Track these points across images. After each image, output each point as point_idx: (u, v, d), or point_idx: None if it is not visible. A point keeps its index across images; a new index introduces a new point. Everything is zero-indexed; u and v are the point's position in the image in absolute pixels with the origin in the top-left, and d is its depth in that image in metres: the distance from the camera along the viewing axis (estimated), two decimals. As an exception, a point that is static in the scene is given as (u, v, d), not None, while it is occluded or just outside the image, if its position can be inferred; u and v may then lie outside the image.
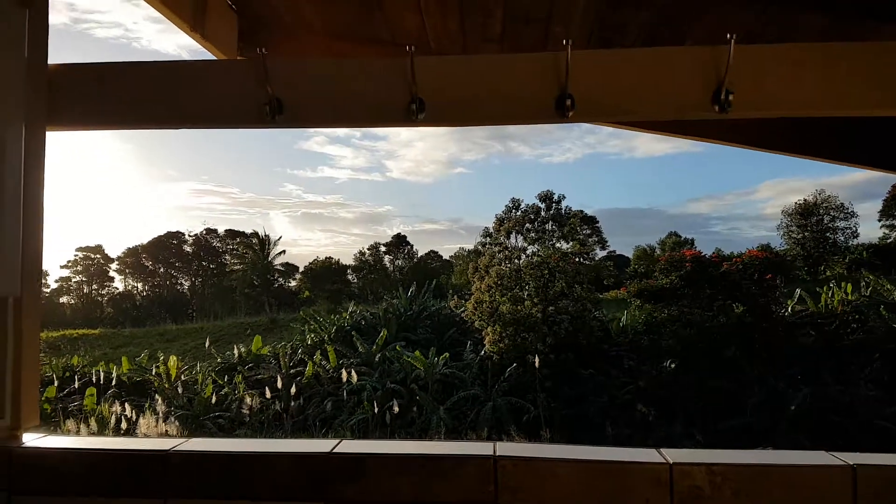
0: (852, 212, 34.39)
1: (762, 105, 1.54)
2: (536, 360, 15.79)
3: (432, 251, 53.13)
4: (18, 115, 1.58)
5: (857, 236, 34.47)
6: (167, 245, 53.62)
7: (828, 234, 34.72)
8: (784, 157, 2.64)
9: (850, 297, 18.93)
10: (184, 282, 54.08)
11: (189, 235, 54.69)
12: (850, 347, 16.13)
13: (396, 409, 14.64)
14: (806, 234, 35.17)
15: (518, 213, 20.32)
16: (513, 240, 20.07)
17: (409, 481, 1.42)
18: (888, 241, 33.35)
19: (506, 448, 1.45)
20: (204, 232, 54.62)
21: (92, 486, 1.50)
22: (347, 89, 1.69)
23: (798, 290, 20.38)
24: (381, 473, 1.43)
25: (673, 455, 1.42)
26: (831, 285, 20.43)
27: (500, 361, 17.23)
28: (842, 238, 34.56)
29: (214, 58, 2.13)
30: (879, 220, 34.19)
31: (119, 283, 54.00)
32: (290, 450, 1.48)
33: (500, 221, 20.44)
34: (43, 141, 1.65)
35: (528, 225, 20.06)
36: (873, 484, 1.33)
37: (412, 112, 1.63)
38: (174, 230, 54.58)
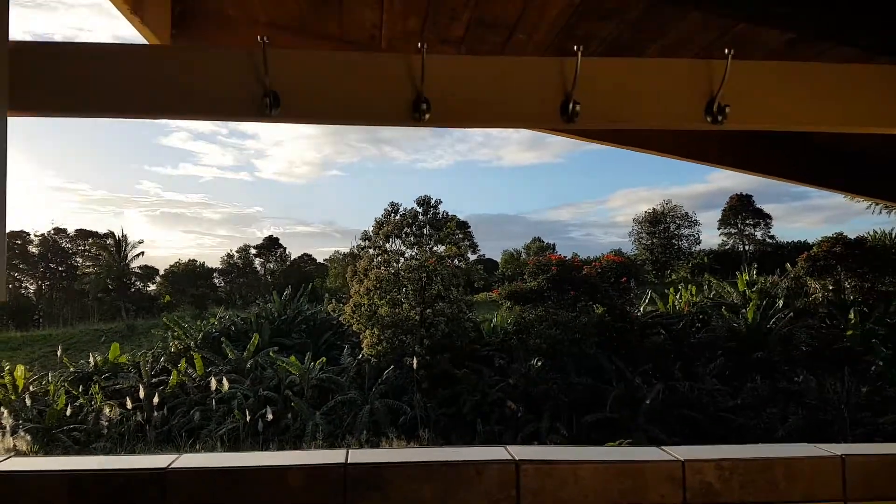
0: (695, 220, 38.35)
1: (751, 119, 1.65)
2: (414, 361, 15.86)
3: (306, 254, 51.55)
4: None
5: (700, 243, 38.50)
6: (9, 245, 47.27)
7: (673, 241, 38.37)
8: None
9: (694, 299, 21.00)
10: (29, 285, 48.13)
11: (35, 235, 48.81)
12: (696, 345, 17.87)
13: (270, 416, 14.07)
14: (654, 240, 38.58)
15: (397, 218, 20.33)
16: (391, 243, 20.03)
17: (432, 489, 1.40)
18: (726, 247, 37.44)
19: (525, 452, 1.46)
20: (52, 231, 48.95)
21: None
22: (344, 85, 1.60)
23: (649, 292, 22.24)
24: (401, 482, 1.41)
25: (682, 452, 1.50)
26: (679, 288, 22.55)
27: (377, 364, 17.13)
28: (686, 244, 38.38)
29: (148, 43, 1.91)
30: (719, 229, 38.27)
31: (-54, 288, 46.70)
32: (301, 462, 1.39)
33: (379, 225, 20.33)
34: (4, 130, 1.35)
35: (406, 229, 20.12)
36: (860, 471, 1.49)
37: (420, 112, 1.58)
38: (17, 229, 48.31)
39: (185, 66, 1.57)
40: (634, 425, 14.66)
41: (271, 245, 49.08)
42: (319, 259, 50.65)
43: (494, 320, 20.46)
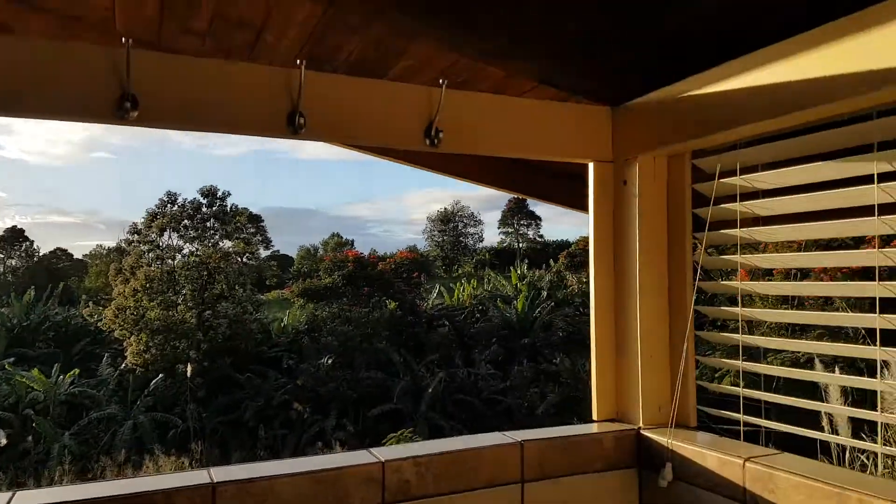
0: (480, 220, 41.78)
1: (466, 144, 1.78)
2: (189, 368, 14.69)
3: (60, 249, 44.76)
4: None
5: (483, 240, 41.96)
6: None
7: (461, 238, 41.15)
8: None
9: (476, 292, 22.60)
10: None
11: None
12: (475, 334, 19.23)
13: (4, 440, 11.96)
14: (445, 237, 40.94)
15: (175, 209, 18.61)
16: (167, 238, 18.28)
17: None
18: (504, 245, 41.15)
19: (224, 473, 1.41)
20: None
21: None
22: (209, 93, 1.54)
23: (438, 286, 23.44)
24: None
25: (384, 453, 1.54)
26: (462, 282, 24.08)
27: (144, 374, 15.50)
28: (471, 242, 41.46)
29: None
30: (499, 228, 42.02)
31: None
32: None
33: (152, 217, 18.42)
34: None
35: (186, 221, 18.52)
36: (535, 454, 1.67)
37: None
38: None
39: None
40: (417, 414, 15.32)
41: (14, 237, 41.80)
42: (78, 255, 44.45)
43: (286, 319, 19.83)
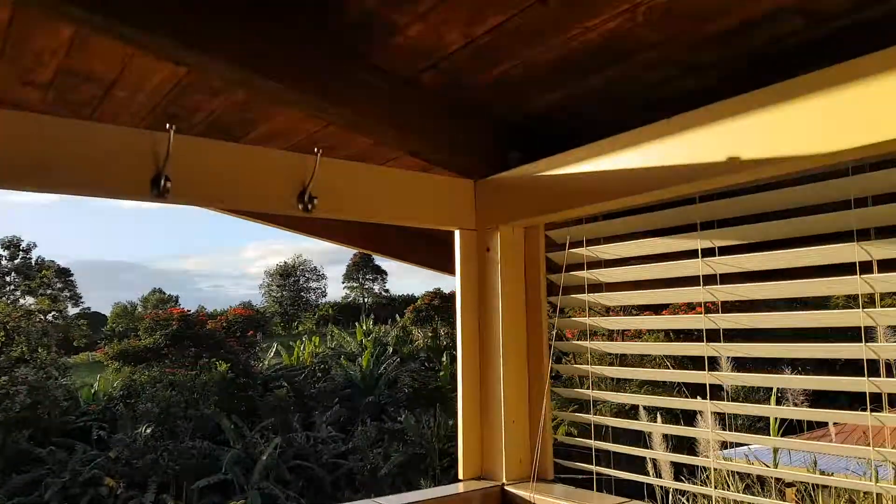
0: (323, 274, 40.88)
1: (338, 210, 1.79)
2: (-27, 446, 12.41)
3: None
4: None
5: (326, 295, 40.99)
6: None
7: (302, 293, 39.87)
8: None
9: (318, 350, 21.90)
10: None
11: None
12: (316, 395, 18.53)
13: None
14: (284, 292, 39.43)
15: (-38, 260, 15.99)
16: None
17: None
18: (349, 299, 40.52)
19: None
20: None
21: None
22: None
23: (275, 345, 22.38)
24: None
25: None
26: (303, 339, 23.26)
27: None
28: (313, 297, 40.32)
29: None
30: (343, 282, 41.37)
31: None
32: None
33: (-71, 268, 15.62)
34: None
35: (-24, 274, 15.97)
36: None
37: None
38: None
39: None
40: (249, 484, 14.25)
41: None
42: None
43: (97, 385, 17.58)
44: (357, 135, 2.09)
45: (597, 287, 1.91)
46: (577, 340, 1.98)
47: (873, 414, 1.32)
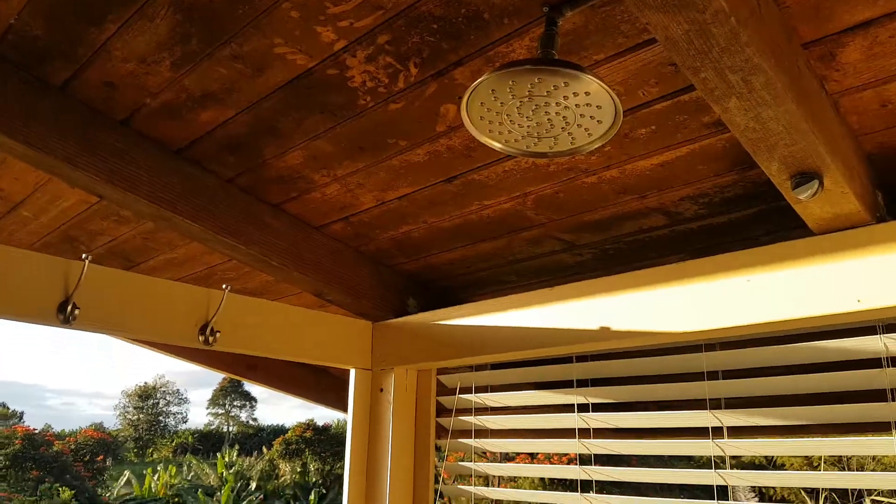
0: (186, 398, 37.49)
1: (238, 344, 1.81)
2: None
3: None
4: None
5: (187, 421, 37.35)
6: None
7: (161, 418, 36.20)
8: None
9: (173, 481, 19.62)
10: None
11: None
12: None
13: None
14: (141, 415, 35.67)
15: None
16: None
17: None
18: (212, 427, 37.12)
19: None
20: None
21: None
22: None
23: (127, 472, 19.91)
24: None
25: None
26: (158, 468, 20.82)
27: None
28: (173, 422, 36.65)
29: None
30: (208, 408, 38.01)
31: None
32: None
33: None
34: None
35: None
36: None
37: None
38: None
39: None
40: None
41: None
42: None
43: None
44: (259, 270, 2.16)
45: (482, 432, 2.01)
46: (458, 484, 2.04)
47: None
